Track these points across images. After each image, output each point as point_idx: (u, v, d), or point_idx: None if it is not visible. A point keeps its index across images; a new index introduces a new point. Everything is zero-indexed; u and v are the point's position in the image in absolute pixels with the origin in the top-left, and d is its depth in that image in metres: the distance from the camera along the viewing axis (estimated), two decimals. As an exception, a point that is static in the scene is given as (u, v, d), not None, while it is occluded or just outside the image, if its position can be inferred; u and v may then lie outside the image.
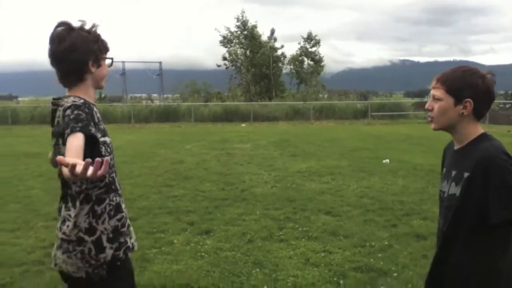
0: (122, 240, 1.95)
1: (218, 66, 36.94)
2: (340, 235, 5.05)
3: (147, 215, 5.97)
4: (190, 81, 39.95)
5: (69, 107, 1.78)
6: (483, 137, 1.79)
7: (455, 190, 1.80)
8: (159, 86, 44.33)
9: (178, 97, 40.24)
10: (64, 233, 1.87)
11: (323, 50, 39.25)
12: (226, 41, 36.10)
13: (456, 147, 1.87)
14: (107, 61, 2.02)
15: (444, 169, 1.94)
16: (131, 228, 2.06)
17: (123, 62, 41.95)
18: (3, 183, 8.17)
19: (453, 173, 1.83)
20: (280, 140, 15.29)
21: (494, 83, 1.79)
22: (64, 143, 1.72)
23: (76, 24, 1.92)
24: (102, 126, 1.93)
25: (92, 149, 1.79)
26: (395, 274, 3.96)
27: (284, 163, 10.22)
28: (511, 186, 1.63)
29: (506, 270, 1.74)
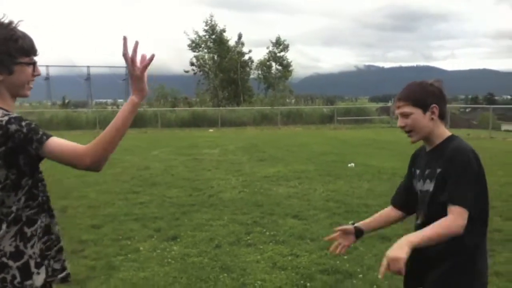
0: (46, 263, 1.74)
1: (186, 71, 36.79)
2: (307, 238, 5.11)
3: (113, 222, 5.87)
4: (158, 86, 39.57)
5: (9, 122, 1.55)
6: (453, 137, 1.99)
7: (429, 186, 1.96)
8: (125, 91, 43.69)
9: (144, 102, 39.71)
10: None
11: (290, 55, 39.71)
12: (194, 46, 35.98)
13: (428, 149, 2.05)
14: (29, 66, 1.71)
15: (418, 171, 2.08)
16: (63, 255, 1.82)
17: (87, 67, 41.31)
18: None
19: (427, 171, 1.99)
20: (248, 145, 15.34)
21: (443, 87, 2.02)
22: (34, 141, 1.57)
23: None
24: None
25: (33, 170, 1.66)
26: (360, 276, 4.04)
27: (252, 168, 10.26)
28: (468, 175, 1.83)
29: (480, 261, 1.91)
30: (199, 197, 7.32)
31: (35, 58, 1.72)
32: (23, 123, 1.57)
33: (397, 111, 2.02)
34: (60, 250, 1.81)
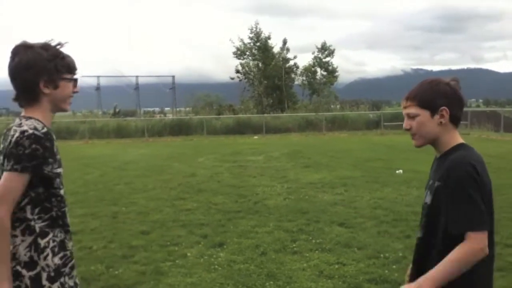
0: (62, 280, 1.79)
1: (232, 79, 37.17)
2: (354, 246, 5.03)
3: (161, 228, 6.01)
4: (203, 94, 40.20)
5: (28, 137, 1.67)
6: (459, 146, 1.81)
7: (429, 199, 1.84)
8: (172, 99, 44.76)
9: (190, 110, 40.53)
10: None
11: (335, 60, 39.28)
12: (239, 53, 36.35)
13: (437, 156, 1.91)
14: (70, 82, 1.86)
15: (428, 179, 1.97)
16: (75, 272, 1.89)
17: (136, 76, 42.52)
18: None
19: (430, 182, 1.88)
20: (293, 151, 15.29)
21: (460, 88, 1.83)
22: (8, 162, 1.68)
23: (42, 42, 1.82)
24: (59, 156, 1.83)
25: (47, 184, 1.76)
26: (410, 286, 3.92)
27: (297, 174, 10.21)
28: (466, 194, 1.66)
29: (480, 278, 1.75)
30: (245, 203, 7.36)
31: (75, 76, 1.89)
32: (34, 146, 1.68)
33: (404, 111, 1.86)
34: (73, 267, 1.87)
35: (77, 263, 2.08)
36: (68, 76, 1.84)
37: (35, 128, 1.70)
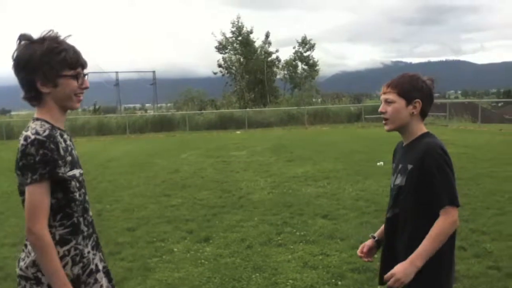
0: None
1: (215, 73, 37.09)
2: (337, 238, 5.16)
3: (146, 224, 6.05)
4: (185, 89, 39.97)
5: (32, 143, 1.59)
6: (426, 134, 2.04)
7: (400, 180, 2.04)
8: (153, 95, 44.38)
9: (171, 106, 40.32)
10: (21, 269, 1.72)
11: (316, 54, 39.56)
12: (221, 47, 36.25)
13: (404, 143, 2.12)
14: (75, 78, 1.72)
15: (394, 165, 2.18)
16: (92, 277, 1.80)
17: (116, 72, 41.99)
18: (3, 198, 8.23)
19: (400, 166, 2.08)
20: (276, 145, 15.41)
21: (433, 87, 2.06)
22: (24, 176, 1.61)
23: (42, 35, 1.69)
24: (69, 157, 1.72)
25: (65, 189, 1.69)
26: (391, 274, 4.06)
27: (280, 168, 10.32)
28: (446, 173, 1.89)
29: (447, 247, 1.94)
30: (229, 198, 7.43)
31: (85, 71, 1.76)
32: (41, 151, 1.60)
33: (382, 96, 2.07)
34: (91, 273, 1.80)
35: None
36: (69, 72, 1.69)
37: (37, 133, 1.61)
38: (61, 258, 1.67)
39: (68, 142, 1.76)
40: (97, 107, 34.35)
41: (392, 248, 2.10)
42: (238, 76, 36.12)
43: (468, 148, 12.31)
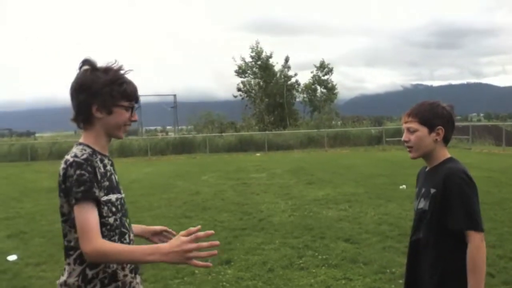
0: None
1: (235, 96, 37.58)
2: (360, 262, 5.08)
3: (168, 246, 6.05)
4: (205, 112, 40.44)
5: (70, 165, 1.65)
6: (449, 159, 2.07)
7: (424, 204, 2.05)
8: (174, 118, 44.94)
9: (192, 129, 40.74)
10: (61, 285, 1.74)
11: (335, 77, 39.89)
12: (241, 71, 36.78)
13: (428, 168, 2.14)
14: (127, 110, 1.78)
15: (417, 189, 2.21)
16: None
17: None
18: (28, 218, 8.37)
19: (423, 190, 2.09)
20: (296, 168, 15.36)
21: (454, 113, 2.09)
22: (66, 198, 1.67)
23: (102, 64, 1.76)
24: (106, 183, 1.74)
25: (98, 211, 1.68)
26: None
27: (301, 191, 10.27)
28: (467, 197, 1.91)
29: (465, 268, 1.94)
30: (250, 221, 7.41)
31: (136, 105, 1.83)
32: (78, 171, 1.63)
33: (404, 125, 2.11)
34: None
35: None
36: (125, 103, 1.77)
37: (75, 156, 1.67)
38: (90, 280, 1.69)
39: (108, 167, 1.80)
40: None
41: (415, 272, 2.10)
42: (257, 99, 36.43)
43: (493, 172, 12.06)
